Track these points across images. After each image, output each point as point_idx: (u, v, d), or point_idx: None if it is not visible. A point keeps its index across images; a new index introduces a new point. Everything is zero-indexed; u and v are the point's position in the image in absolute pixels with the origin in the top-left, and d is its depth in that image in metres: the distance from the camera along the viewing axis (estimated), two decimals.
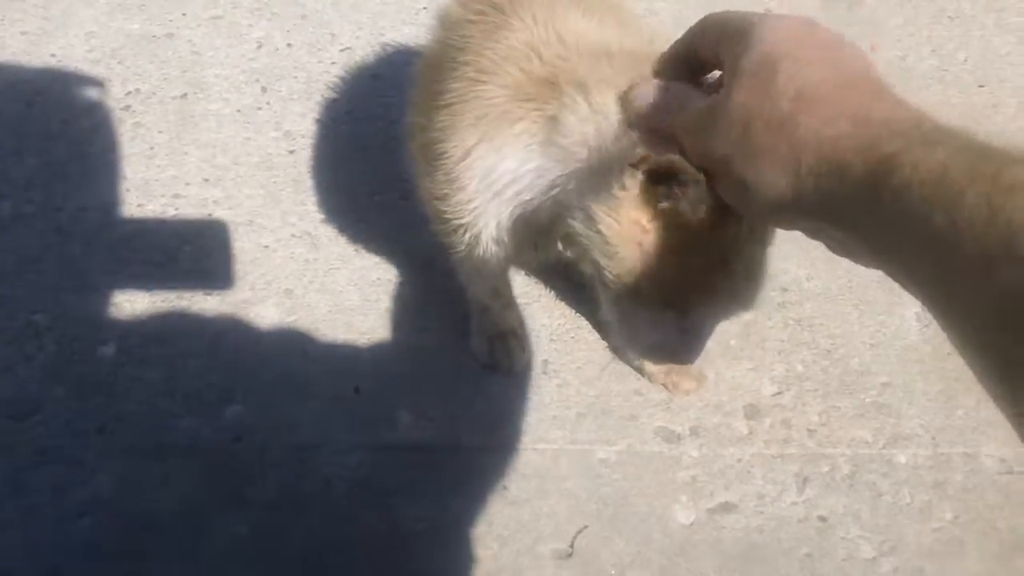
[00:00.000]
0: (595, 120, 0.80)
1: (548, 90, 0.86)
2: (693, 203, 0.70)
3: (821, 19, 1.68)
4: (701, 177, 0.66)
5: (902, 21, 1.95)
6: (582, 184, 0.82)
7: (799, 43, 0.58)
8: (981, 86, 1.83)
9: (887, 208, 0.48)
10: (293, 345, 1.36)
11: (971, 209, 0.43)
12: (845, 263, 1.40)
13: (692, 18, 0.70)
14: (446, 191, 0.97)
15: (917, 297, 0.48)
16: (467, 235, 1.00)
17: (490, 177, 0.92)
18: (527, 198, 0.91)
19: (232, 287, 1.41)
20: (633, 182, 0.74)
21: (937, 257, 0.45)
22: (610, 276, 0.78)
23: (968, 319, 0.45)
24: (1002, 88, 1.83)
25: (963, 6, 2.00)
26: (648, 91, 0.73)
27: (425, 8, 1.86)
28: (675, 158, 0.67)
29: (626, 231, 0.75)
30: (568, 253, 0.99)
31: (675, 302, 0.78)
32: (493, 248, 1.02)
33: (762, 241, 0.78)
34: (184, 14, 1.81)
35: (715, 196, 0.66)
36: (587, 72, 0.84)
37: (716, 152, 0.60)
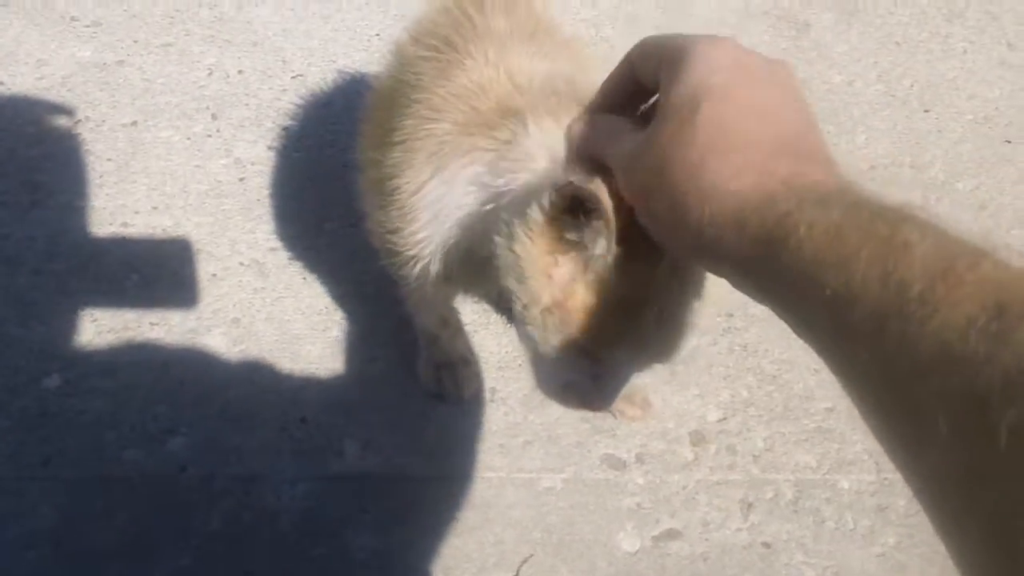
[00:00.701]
0: (535, 146, 0.81)
1: (496, 121, 0.87)
2: (596, 236, 0.69)
3: (769, 45, 1.73)
4: (609, 210, 0.66)
5: (848, 47, 1.99)
6: (514, 205, 0.80)
7: (727, 77, 0.56)
8: (927, 111, 1.87)
9: (782, 266, 0.48)
10: (240, 374, 1.35)
11: (865, 270, 0.43)
12: None
13: None
14: (399, 225, 0.97)
15: (815, 350, 0.49)
16: (418, 267, 1.00)
17: (439, 208, 0.93)
18: (475, 228, 0.91)
19: (179, 316, 1.40)
20: (551, 207, 0.72)
21: (831, 316, 0.45)
22: (519, 305, 0.76)
23: (863, 379, 0.45)
24: (947, 112, 1.87)
25: (910, 32, 2.04)
26: (581, 125, 0.74)
27: (378, 35, 1.87)
28: (594, 188, 0.66)
29: (539, 259, 0.73)
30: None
31: (582, 345, 0.75)
32: (443, 279, 1.02)
33: (682, 288, 0.75)
34: (135, 41, 1.81)
35: (632, 236, 0.66)
36: (532, 105, 0.85)
37: (638, 187, 0.61)
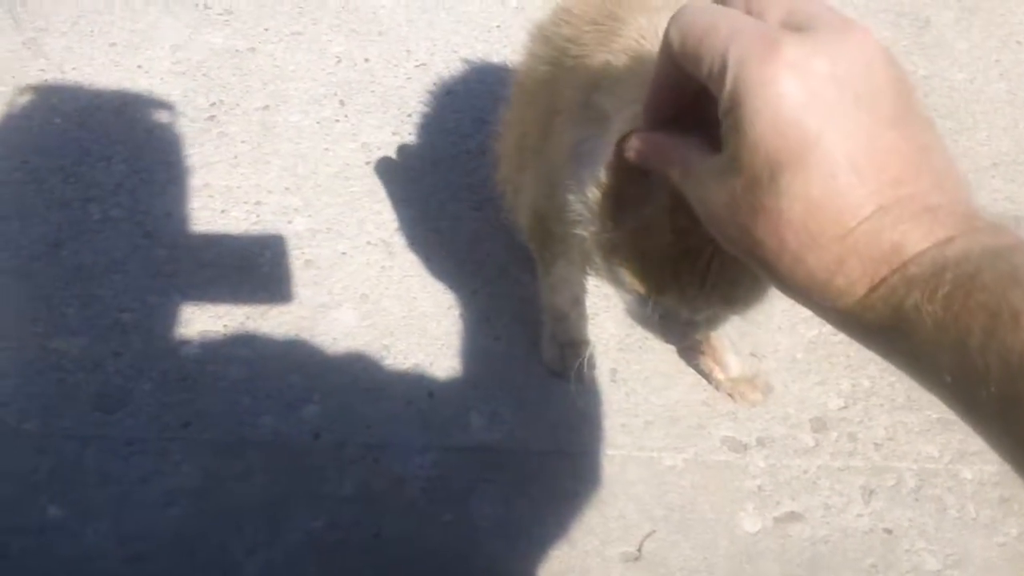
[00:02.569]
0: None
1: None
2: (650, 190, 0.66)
3: (890, 42, 1.72)
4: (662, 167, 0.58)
5: (969, 45, 1.97)
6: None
7: (805, 123, 0.42)
8: None
9: (895, 351, 0.45)
10: (369, 348, 1.40)
11: (982, 349, 0.39)
12: None
13: None
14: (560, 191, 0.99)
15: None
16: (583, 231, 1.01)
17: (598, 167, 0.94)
18: None
19: (310, 291, 1.46)
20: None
21: (956, 398, 0.42)
22: (593, 244, 0.76)
23: (999, 441, 0.41)
24: None
25: None
26: (636, 142, 0.57)
27: (498, 27, 1.91)
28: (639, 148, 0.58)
29: (601, 211, 0.71)
30: None
31: (636, 290, 0.75)
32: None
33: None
34: (266, 29, 1.88)
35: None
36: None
37: (721, 238, 0.49)
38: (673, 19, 0.48)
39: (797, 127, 0.42)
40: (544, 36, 1.21)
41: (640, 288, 0.76)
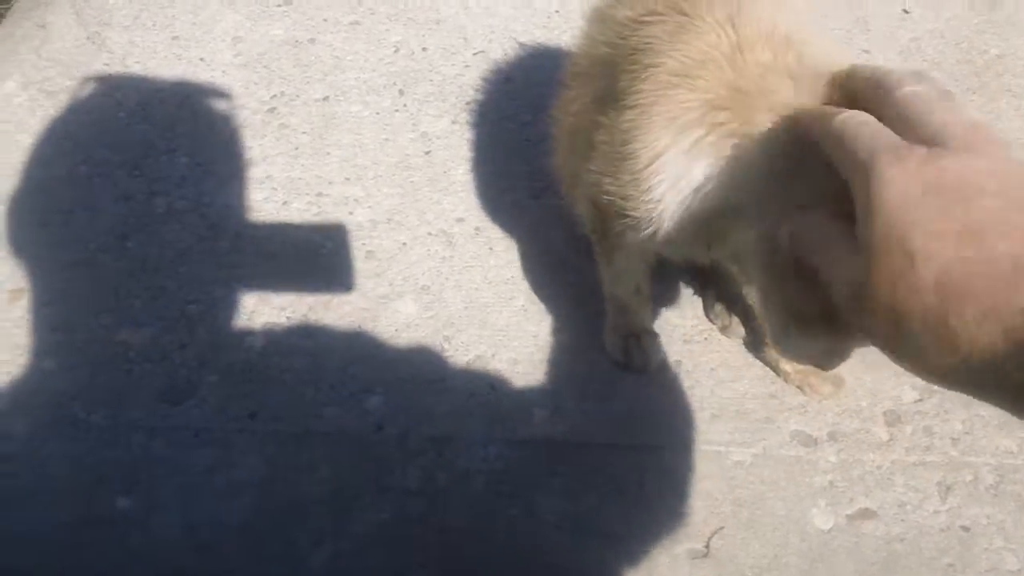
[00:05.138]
0: (774, 149, 0.81)
1: (739, 103, 0.87)
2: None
3: (962, 19, 1.67)
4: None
5: None
6: (757, 206, 0.83)
7: (920, 221, 0.49)
8: None
9: None
10: (431, 340, 1.40)
11: None
12: None
13: None
14: (631, 192, 0.98)
15: None
16: (647, 232, 1.00)
17: (679, 183, 0.93)
18: (710, 206, 0.92)
19: (372, 283, 1.46)
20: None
21: None
22: (768, 292, 0.78)
23: None
24: None
25: None
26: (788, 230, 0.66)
27: (557, 11, 1.89)
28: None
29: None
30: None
31: (830, 328, 0.73)
32: (669, 247, 1.05)
33: None
34: (325, 20, 1.88)
35: None
36: (772, 95, 0.84)
37: (866, 331, 0.56)
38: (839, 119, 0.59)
39: (914, 221, 0.49)
40: (601, 16, 1.18)
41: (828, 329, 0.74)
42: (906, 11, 1.90)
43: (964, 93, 1.75)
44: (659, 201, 0.94)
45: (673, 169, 0.92)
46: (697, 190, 0.91)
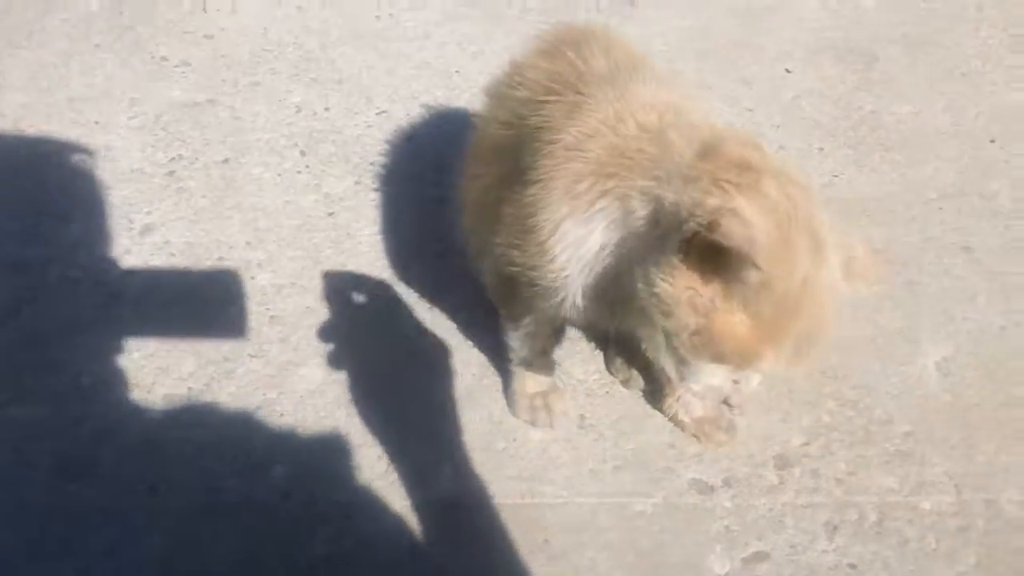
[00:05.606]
0: (661, 200, 0.91)
1: (624, 168, 0.96)
2: (740, 265, 0.82)
3: (838, 79, 1.77)
4: (746, 240, 0.80)
5: (915, 79, 2.02)
6: (647, 253, 0.92)
7: None
8: (992, 141, 1.89)
9: None
10: (336, 405, 1.41)
11: None
12: (867, 315, 1.45)
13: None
14: (537, 262, 1.05)
15: None
16: (555, 300, 1.08)
17: (580, 250, 1.01)
18: (609, 267, 0.98)
19: (277, 348, 1.46)
20: (692, 254, 0.85)
21: None
22: (669, 334, 0.90)
23: None
24: (1013, 142, 1.89)
25: (974, 64, 2.07)
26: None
27: (457, 72, 1.94)
28: (725, 226, 0.80)
29: (680, 294, 0.86)
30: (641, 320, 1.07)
31: (729, 360, 0.88)
32: (574, 312, 1.10)
33: (822, 301, 0.89)
34: (224, 80, 1.89)
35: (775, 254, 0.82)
36: (656, 158, 0.95)
37: None
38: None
39: None
40: (500, 96, 1.25)
41: (735, 362, 0.88)
42: (788, 71, 2.01)
43: (841, 148, 1.85)
44: (563, 268, 1.02)
45: (573, 237, 0.99)
46: (596, 254, 0.98)
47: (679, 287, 0.86)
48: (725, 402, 1.35)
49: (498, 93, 1.26)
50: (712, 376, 0.91)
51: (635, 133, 0.97)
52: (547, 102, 1.08)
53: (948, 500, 1.34)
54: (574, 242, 1.00)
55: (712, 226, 0.81)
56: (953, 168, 1.83)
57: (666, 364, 0.93)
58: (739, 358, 0.87)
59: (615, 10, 2.13)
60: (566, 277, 1.03)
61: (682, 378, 0.94)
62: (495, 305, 1.30)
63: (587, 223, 0.97)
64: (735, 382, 0.91)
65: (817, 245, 0.87)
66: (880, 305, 1.57)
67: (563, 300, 1.06)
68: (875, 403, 1.44)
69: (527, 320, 1.26)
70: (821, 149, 1.84)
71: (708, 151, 0.90)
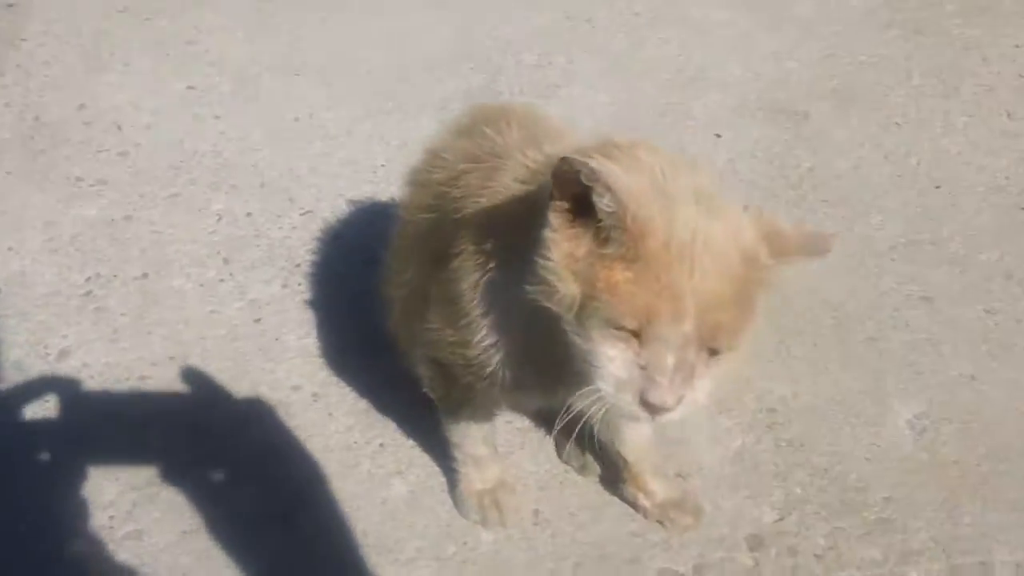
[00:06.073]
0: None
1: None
2: (600, 199, 0.78)
3: (772, 139, 1.73)
4: (604, 173, 0.77)
5: (850, 132, 2.00)
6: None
7: None
8: (938, 187, 1.86)
9: None
10: (273, 521, 1.29)
11: None
12: (830, 377, 1.37)
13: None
14: (467, 336, 0.99)
15: None
16: (490, 373, 1.01)
17: (498, 310, 0.96)
18: (532, 321, 0.90)
19: (207, 466, 1.35)
20: (557, 218, 0.81)
21: None
22: (561, 311, 0.83)
23: None
24: (959, 187, 1.86)
25: (908, 112, 2.05)
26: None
27: (383, 165, 1.88)
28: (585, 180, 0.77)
29: (562, 257, 0.81)
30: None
31: (619, 322, 0.80)
32: (510, 387, 1.03)
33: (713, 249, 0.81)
34: (142, 195, 1.82)
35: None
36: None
37: None
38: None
39: None
40: (419, 184, 1.20)
41: (628, 321, 0.79)
42: (718, 135, 1.98)
43: (784, 207, 1.80)
44: (487, 335, 0.97)
45: (491, 298, 0.95)
46: (516, 311, 0.91)
47: (557, 258, 0.81)
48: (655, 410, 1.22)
49: (417, 180, 1.23)
50: (611, 362, 0.81)
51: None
52: (466, 172, 1.04)
53: (938, 567, 1.25)
54: (492, 303, 0.95)
55: (563, 174, 0.79)
56: (901, 217, 1.78)
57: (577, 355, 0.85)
58: (630, 316, 0.79)
59: (538, 92, 2.09)
60: (493, 344, 0.97)
61: (589, 377, 0.84)
62: (432, 398, 1.21)
63: (504, 282, 0.92)
64: (642, 367, 0.80)
65: (710, 206, 0.82)
66: (843, 365, 1.49)
67: (496, 374, 0.99)
68: (848, 469, 1.35)
69: (466, 410, 1.18)
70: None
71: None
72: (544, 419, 1.39)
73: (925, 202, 1.83)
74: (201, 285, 1.63)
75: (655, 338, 0.80)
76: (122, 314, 1.57)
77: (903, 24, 2.35)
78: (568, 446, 1.36)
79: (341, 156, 1.92)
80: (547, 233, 0.82)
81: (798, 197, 1.84)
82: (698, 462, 1.36)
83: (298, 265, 1.67)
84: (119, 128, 1.99)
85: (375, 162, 1.90)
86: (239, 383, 1.47)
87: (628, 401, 0.82)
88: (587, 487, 1.33)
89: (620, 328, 0.80)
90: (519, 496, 1.31)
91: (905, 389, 1.45)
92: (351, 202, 1.81)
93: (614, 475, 1.31)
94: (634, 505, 1.29)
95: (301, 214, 1.78)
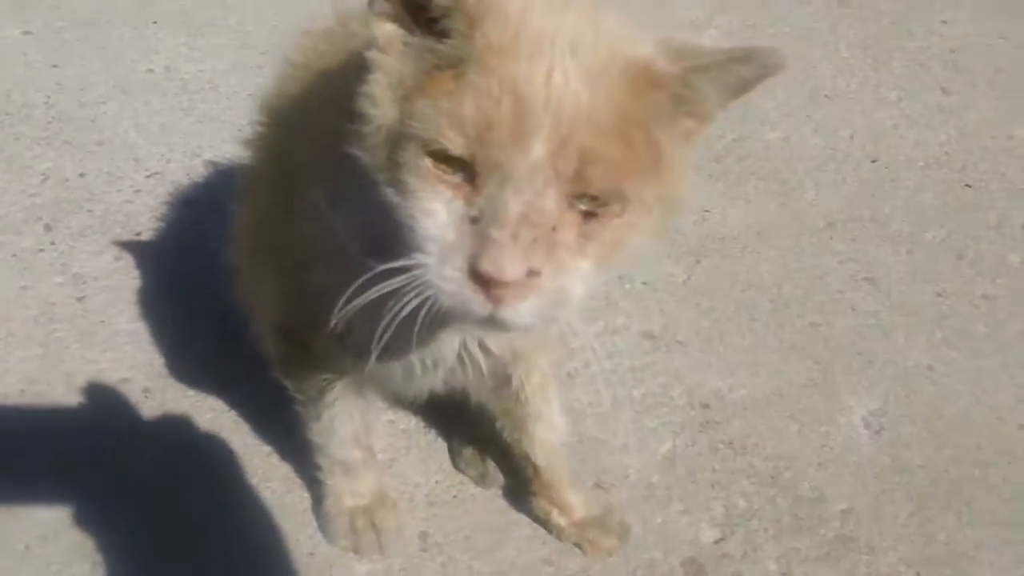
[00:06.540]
0: None
1: None
2: None
3: None
4: None
5: (777, 103, 1.81)
6: None
7: None
8: (874, 161, 1.68)
9: None
10: (75, 555, 1.00)
11: None
12: (770, 368, 1.13)
13: None
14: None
15: None
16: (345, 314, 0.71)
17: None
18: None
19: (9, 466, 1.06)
20: (382, 27, 0.61)
21: None
22: (374, 159, 0.60)
23: None
24: (896, 161, 1.68)
25: (838, 84, 1.88)
26: None
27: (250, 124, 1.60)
28: None
29: (382, 86, 0.60)
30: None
31: (443, 150, 0.56)
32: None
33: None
34: None
35: None
36: None
37: None
38: None
39: None
40: (268, 104, 0.94)
41: (451, 141, 0.55)
42: None
43: (708, 181, 1.59)
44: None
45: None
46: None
47: (379, 80, 0.59)
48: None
49: (265, 103, 0.96)
50: (430, 217, 0.58)
51: None
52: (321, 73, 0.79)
53: None
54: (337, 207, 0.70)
55: None
56: (837, 193, 1.59)
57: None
58: (453, 131, 0.56)
59: None
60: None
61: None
62: (285, 381, 0.95)
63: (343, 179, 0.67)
64: (475, 221, 0.56)
65: (588, 4, 0.61)
66: (783, 354, 1.28)
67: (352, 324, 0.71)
68: (799, 476, 1.13)
69: (330, 395, 0.93)
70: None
71: None
72: (436, 416, 1.14)
73: (862, 177, 1.64)
74: (13, 255, 1.33)
75: (491, 169, 0.56)
76: None
77: None
78: (465, 451, 1.12)
79: (201, 112, 1.63)
80: (371, 54, 0.61)
81: (723, 170, 1.63)
82: (621, 469, 1.12)
83: (138, 234, 1.38)
84: None
85: (241, 120, 1.61)
86: (50, 375, 1.17)
87: (453, 276, 0.57)
88: (488, 502, 1.09)
89: (443, 162, 0.57)
90: (402, 514, 1.05)
91: (856, 381, 1.25)
92: (209, 163, 1.52)
93: (521, 487, 1.07)
94: (546, 524, 1.05)
95: (147, 176, 1.49)
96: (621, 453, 1.14)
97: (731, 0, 2.13)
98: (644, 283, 1.38)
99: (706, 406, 1.21)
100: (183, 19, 1.89)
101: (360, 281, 0.62)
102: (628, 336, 1.29)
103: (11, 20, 1.84)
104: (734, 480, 1.12)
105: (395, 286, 0.59)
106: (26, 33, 1.81)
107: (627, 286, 1.37)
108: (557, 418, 1.02)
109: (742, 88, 0.61)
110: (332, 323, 0.70)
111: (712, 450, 1.16)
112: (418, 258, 0.58)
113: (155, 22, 1.88)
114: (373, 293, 0.61)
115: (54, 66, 1.72)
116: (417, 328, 0.63)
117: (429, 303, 0.58)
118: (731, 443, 1.16)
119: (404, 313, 0.59)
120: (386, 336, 0.63)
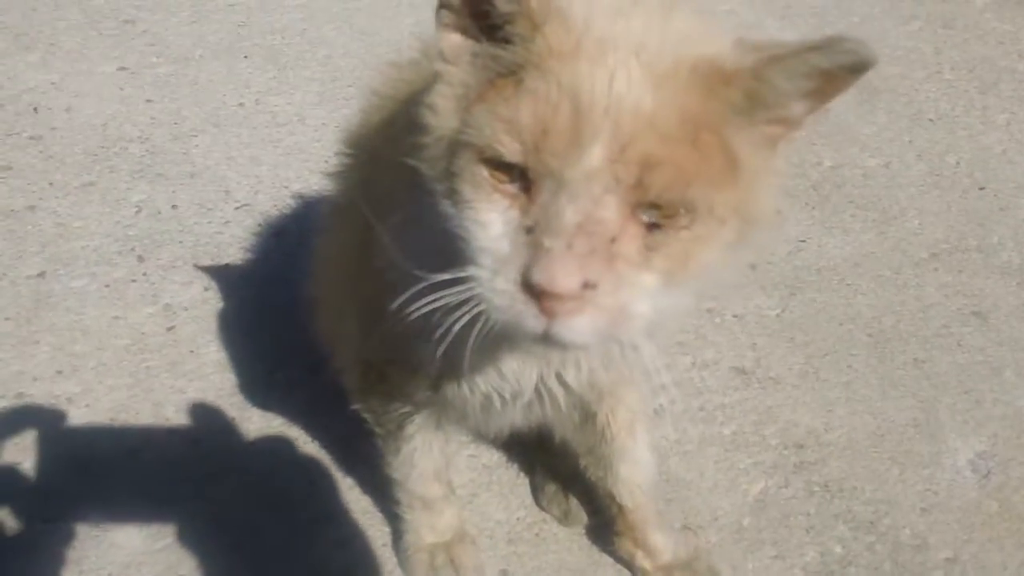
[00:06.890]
0: None
1: None
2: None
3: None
4: None
5: (877, 128, 1.74)
6: None
7: None
8: (982, 188, 1.60)
9: None
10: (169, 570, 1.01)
11: None
12: (870, 407, 1.07)
13: None
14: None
15: None
16: (431, 355, 0.69)
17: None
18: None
19: (83, 508, 1.07)
20: (448, 38, 0.60)
21: None
22: (432, 170, 0.59)
23: None
24: (1006, 188, 1.60)
25: (942, 107, 1.80)
26: None
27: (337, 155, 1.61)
28: None
29: (445, 95, 0.59)
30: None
31: (495, 151, 0.54)
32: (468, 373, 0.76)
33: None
34: (51, 184, 1.54)
35: None
36: None
37: None
38: None
39: None
40: (352, 135, 0.94)
41: (507, 148, 0.53)
42: None
43: (804, 209, 1.54)
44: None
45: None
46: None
47: (442, 91, 0.58)
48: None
49: (351, 138, 0.96)
50: (485, 229, 0.55)
51: None
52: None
53: None
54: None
55: None
56: (942, 222, 1.52)
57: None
58: (510, 138, 0.53)
59: None
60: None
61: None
62: (365, 413, 0.95)
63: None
64: (530, 231, 0.54)
65: (658, 6, 0.58)
66: (884, 392, 1.22)
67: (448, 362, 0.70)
68: (900, 522, 1.07)
69: (411, 428, 0.92)
70: (778, 212, 1.53)
71: None
72: (519, 452, 1.11)
73: (968, 204, 1.57)
74: (107, 286, 1.35)
75: (546, 176, 0.53)
76: (6, 318, 1.29)
77: (928, 17, 2.12)
78: (548, 488, 1.09)
79: (288, 144, 1.65)
80: (437, 65, 0.60)
81: (821, 199, 1.57)
82: (711, 510, 1.08)
83: (226, 265, 1.39)
84: (35, 111, 1.72)
85: (327, 152, 1.62)
86: (138, 403, 1.18)
87: (505, 289, 0.54)
88: (570, 542, 1.05)
89: (499, 170, 0.55)
90: (481, 552, 1.03)
91: (963, 422, 1.18)
92: (296, 195, 1.53)
93: (605, 526, 1.03)
94: (631, 566, 1.02)
95: (236, 208, 1.50)
96: (710, 494, 1.10)
97: (828, 21, 2.07)
98: (735, 316, 1.33)
99: (800, 446, 1.15)
100: (273, 53, 1.92)
101: (410, 292, 0.60)
102: (718, 371, 1.25)
103: (107, 57, 1.89)
104: (830, 525, 1.06)
105: (448, 300, 0.57)
106: (121, 69, 1.86)
107: (717, 319, 1.32)
108: (644, 457, 0.98)
109: (826, 84, 0.55)
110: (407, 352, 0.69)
111: (807, 492, 1.10)
112: (471, 271, 0.56)
113: (246, 57, 1.91)
114: (425, 307, 0.59)
115: (148, 101, 1.76)
116: (472, 344, 0.60)
117: (483, 318, 0.56)
118: (827, 485, 1.11)
119: (456, 328, 0.57)
120: (446, 352, 0.61)
